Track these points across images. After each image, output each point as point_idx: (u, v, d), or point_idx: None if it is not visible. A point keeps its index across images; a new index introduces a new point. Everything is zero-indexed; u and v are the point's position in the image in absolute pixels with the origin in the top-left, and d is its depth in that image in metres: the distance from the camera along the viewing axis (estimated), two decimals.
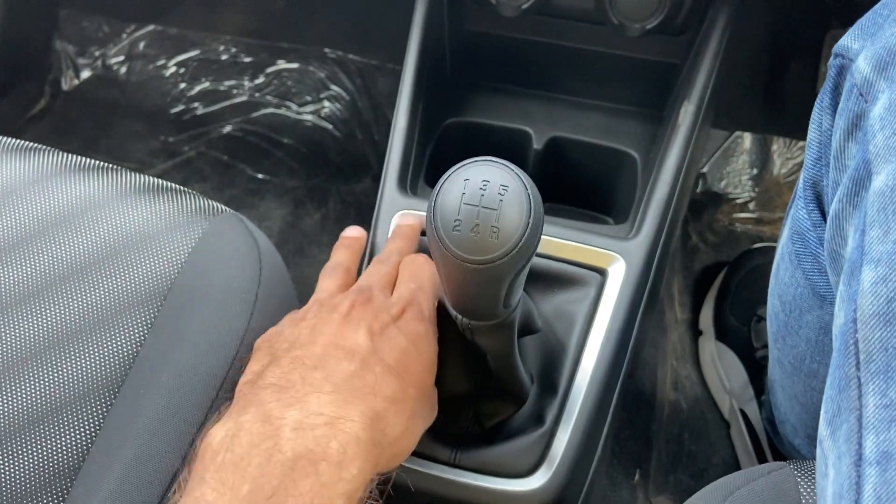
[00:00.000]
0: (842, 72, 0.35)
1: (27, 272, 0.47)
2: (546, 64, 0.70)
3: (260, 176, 1.16)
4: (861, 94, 0.32)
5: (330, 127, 1.21)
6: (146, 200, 0.51)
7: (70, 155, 0.52)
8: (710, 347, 0.90)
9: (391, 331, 0.43)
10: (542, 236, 0.55)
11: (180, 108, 1.24)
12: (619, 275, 0.53)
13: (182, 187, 0.53)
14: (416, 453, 0.49)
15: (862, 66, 0.33)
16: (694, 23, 0.63)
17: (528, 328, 0.50)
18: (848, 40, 0.35)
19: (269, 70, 1.26)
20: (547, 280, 0.54)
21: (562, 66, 0.70)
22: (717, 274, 0.96)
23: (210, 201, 0.53)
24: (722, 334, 0.89)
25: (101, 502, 0.40)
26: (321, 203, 1.12)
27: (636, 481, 0.82)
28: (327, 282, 0.49)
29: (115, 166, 0.54)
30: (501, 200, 0.36)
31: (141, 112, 1.24)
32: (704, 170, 1.09)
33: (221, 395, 0.42)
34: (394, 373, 0.41)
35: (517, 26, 0.67)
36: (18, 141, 0.52)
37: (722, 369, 0.87)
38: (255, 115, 1.22)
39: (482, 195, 0.36)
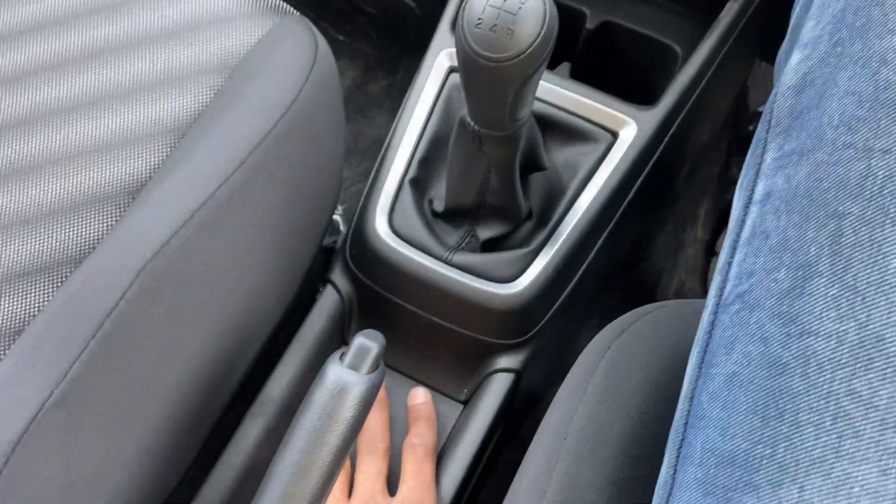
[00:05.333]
0: None
1: (122, 28, 0.56)
2: None
3: (340, 37, 1.23)
4: None
5: (413, 5, 1.27)
6: None
7: None
8: None
9: None
10: (566, 91, 0.61)
11: None
12: (629, 137, 0.59)
13: None
14: (417, 246, 0.57)
15: None
16: None
17: (534, 161, 0.56)
18: None
19: None
20: (563, 132, 0.61)
21: None
22: None
23: (284, 3, 0.60)
24: None
25: (151, 209, 0.49)
26: (390, 72, 1.19)
27: None
28: None
29: None
30: (521, 8, 0.42)
31: None
32: (760, 109, 1.11)
33: (257, 151, 0.50)
34: None
35: None
36: None
37: None
38: None
39: (505, 1, 0.42)
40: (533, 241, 0.57)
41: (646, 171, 0.61)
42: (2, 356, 0.47)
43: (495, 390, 0.57)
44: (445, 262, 0.56)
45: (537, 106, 0.61)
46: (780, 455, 0.27)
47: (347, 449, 0.41)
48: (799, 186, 0.30)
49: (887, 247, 0.27)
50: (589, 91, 0.61)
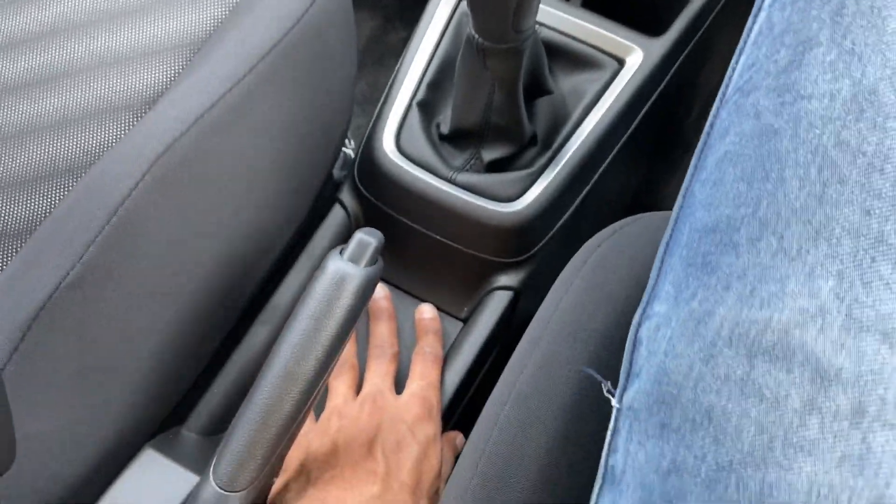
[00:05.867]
0: None
1: None
2: None
3: None
4: None
5: None
6: None
7: None
8: None
9: (405, 442, 0.49)
10: (574, 19, 0.62)
11: None
12: (635, 65, 0.60)
13: None
14: (422, 166, 0.58)
15: None
16: None
17: (539, 84, 0.57)
18: None
19: None
20: (571, 59, 0.61)
21: None
22: None
23: None
24: None
25: (163, 111, 0.50)
26: (409, 23, 1.20)
27: None
28: (339, 385, 0.55)
29: None
30: None
31: None
32: None
33: (267, 58, 0.52)
34: (408, 488, 0.48)
35: None
36: None
37: None
38: None
39: None
40: (536, 163, 0.58)
41: (651, 100, 0.62)
42: (21, 246, 0.50)
43: (493, 307, 0.59)
44: (450, 181, 0.58)
45: (545, 33, 0.62)
46: (761, 212, 0.28)
47: (345, 335, 0.43)
48: None
49: (886, 11, 0.28)
50: (597, 19, 0.62)
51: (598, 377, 0.32)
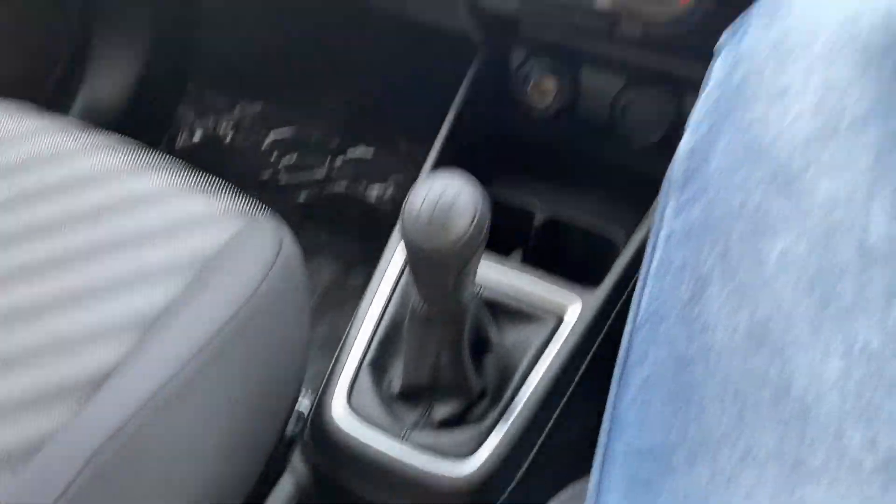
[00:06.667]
0: None
1: (98, 233, 0.61)
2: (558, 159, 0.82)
3: (323, 237, 1.32)
4: None
5: (391, 209, 1.36)
6: (201, 195, 0.65)
7: (144, 152, 0.67)
8: None
9: None
10: (515, 277, 0.66)
11: (267, 175, 1.42)
12: (574, 315, 0.63)
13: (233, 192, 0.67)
14: (375, 425, 0.58)
15: None
16: None
17: (482, 340, 0.59)
18: None
19: (350, 155, 1.44)
20: (513, 314, 0.64)
21: (570, 163, 0.81)
22: None
23: (256, 205, 0.66)
24: None
25: (107, 396, 0.50)
26: (370, 268, 1.25)
27: None
28: None
29: (176, 167, 0.68)
30: (453, 204, 0.47)
31: (234, 174, 1.43)
32: None
33: (217, 337, 0.53)
34: None
35: (540, 129, 0.80)
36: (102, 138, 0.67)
37: None
38: (327, 190, 1.40)
39: (440, 197, 0.47)
40: (488, 417, 0.58)
41: (594, 347, 0.64)
42: None
43: None
44: (402, 439, 0.57)
45: (488, 291, 0.65)
46: (690, 437, 0.31)
47: None
48: (695, 221, 0.36)
49: (765, 251, 0.32)
50: (536, 275, 0.65)
51: None
